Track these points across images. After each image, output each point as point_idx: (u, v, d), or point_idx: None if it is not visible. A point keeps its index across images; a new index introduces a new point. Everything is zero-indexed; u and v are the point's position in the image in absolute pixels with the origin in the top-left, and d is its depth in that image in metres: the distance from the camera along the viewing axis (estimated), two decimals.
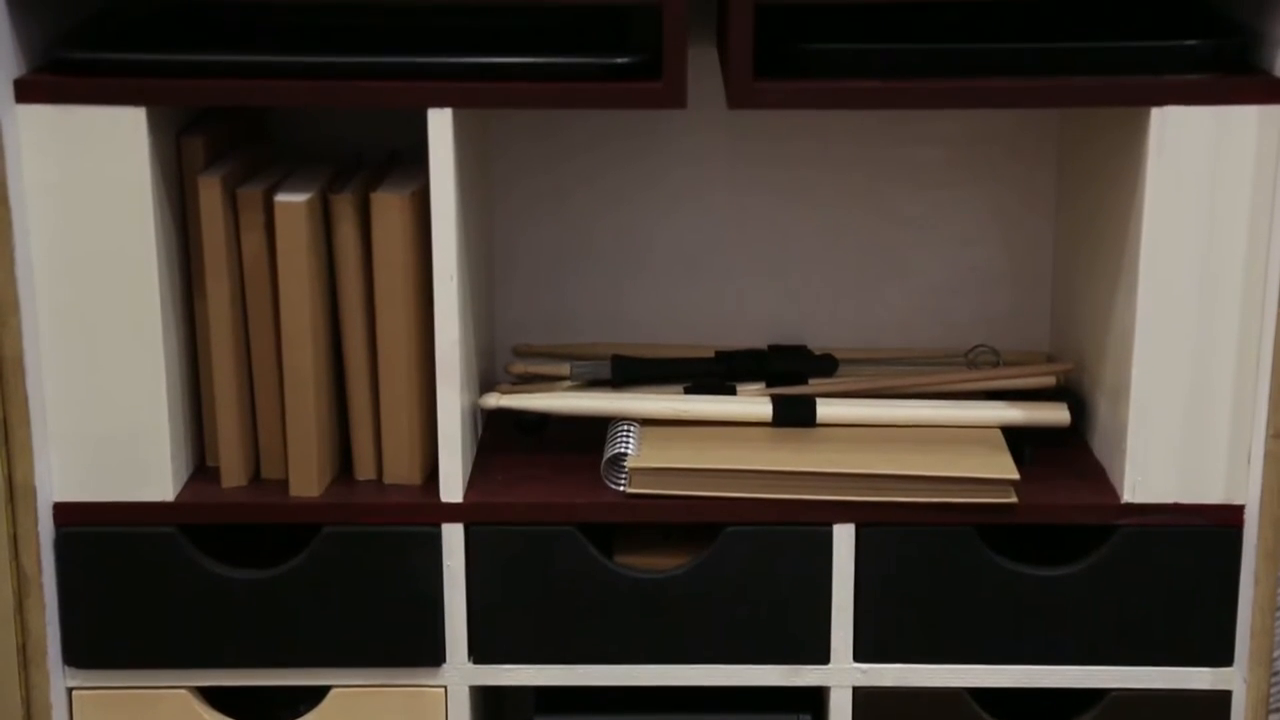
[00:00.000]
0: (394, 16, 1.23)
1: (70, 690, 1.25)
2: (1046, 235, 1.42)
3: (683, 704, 1.28)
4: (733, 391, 1.33)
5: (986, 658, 1.24)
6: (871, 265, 1.43)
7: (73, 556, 1.22)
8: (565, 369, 1.37)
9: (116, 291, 1.18)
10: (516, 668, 1.25)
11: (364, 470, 1.26)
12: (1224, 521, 1.21)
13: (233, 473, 1.25)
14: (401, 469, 1.25)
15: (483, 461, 1.29)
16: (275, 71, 1.15)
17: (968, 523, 1.22)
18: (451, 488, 1.22)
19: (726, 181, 1.41)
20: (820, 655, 1.24)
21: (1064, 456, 1.29)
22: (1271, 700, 1.23)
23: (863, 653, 1.24)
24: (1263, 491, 1.18)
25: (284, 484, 1.24)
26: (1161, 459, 1.20)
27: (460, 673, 1.25)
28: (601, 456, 1.25)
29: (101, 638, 1.24)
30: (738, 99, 1.14)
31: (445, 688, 1.25)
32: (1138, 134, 1.16)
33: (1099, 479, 1.26)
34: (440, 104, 1.15)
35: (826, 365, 1.37)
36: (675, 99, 1.14)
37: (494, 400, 1.29)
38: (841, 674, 1.25)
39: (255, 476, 1.27)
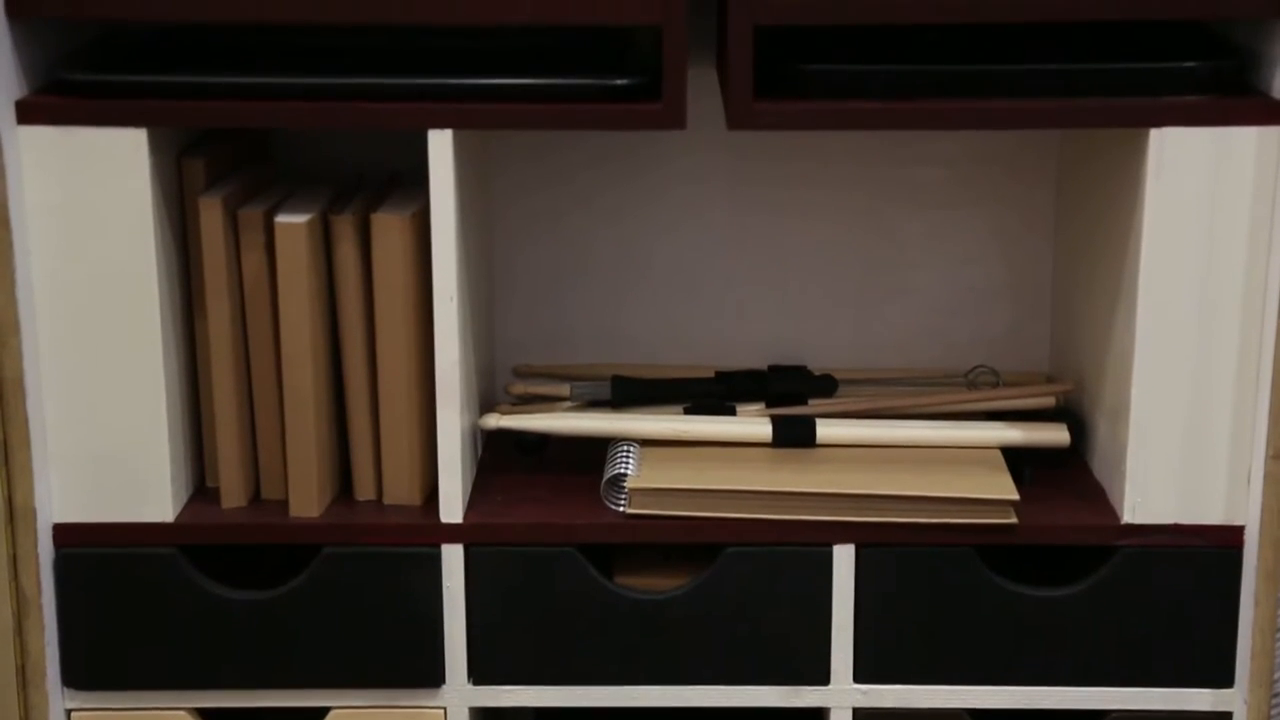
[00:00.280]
0: (394, 38, 1.23)
1: (69, 712, 1.25)
2: (1046, 255, 1.42)
3: None
4: (732, 412, 1.33)
5: (987, 678, 1.24)
6: (871, 285, 1.43)
7: (72, 577, 1.22)
8: (565, 389, 1.37)
9: (117, 312, 1.18)
10: (516, 689, 1.25)
11: (364, 491, 1.26)
12: (1224, 542, 1.21)
13: (232, 493, 1.25)
14: (401, 489, 1.25)
15: (482, 482, 1.29)
16: (276, 93, 1.15)
17: (967, 543, 1.22)
18: (451, 508, 1.22)
19: (726, 201, 1.42)
20: (820, 676, 1.24)
21: (1064, 477, 1.29)
22: None
23: (863, 674, 1.24)
24: (1263, 512, 1.18)
25: (284, 504, 1.24)
26: (1161, 479, 1.20)
27: (460, 694, 1.25)
28: (601, 477, 1.25)
29: (101, 659, 1.24)
30: (737, 120, 1.14)
31: (445, 709, 1.25)
32: (1137, 155, 1.17)
33: (1099, 499, 1.26)
34: (440, 125, 1.15)
35: (826, 385, 1.37)
36: (675, 120, 1.14)
37: (494, 421, 1.29)
38: (842, 695, 1.24)
39: (255, 497, 1.26)
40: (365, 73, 1.17)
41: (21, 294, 1.16)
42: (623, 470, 1.24)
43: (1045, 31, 1.17)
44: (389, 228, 1.21)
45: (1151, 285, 1.17)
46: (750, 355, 1.43)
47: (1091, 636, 1.23)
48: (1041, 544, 1.22)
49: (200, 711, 1.26)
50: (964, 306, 1.43)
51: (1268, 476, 1.18)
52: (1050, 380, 1.41)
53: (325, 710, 1.25)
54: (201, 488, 1.28)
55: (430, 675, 1.24)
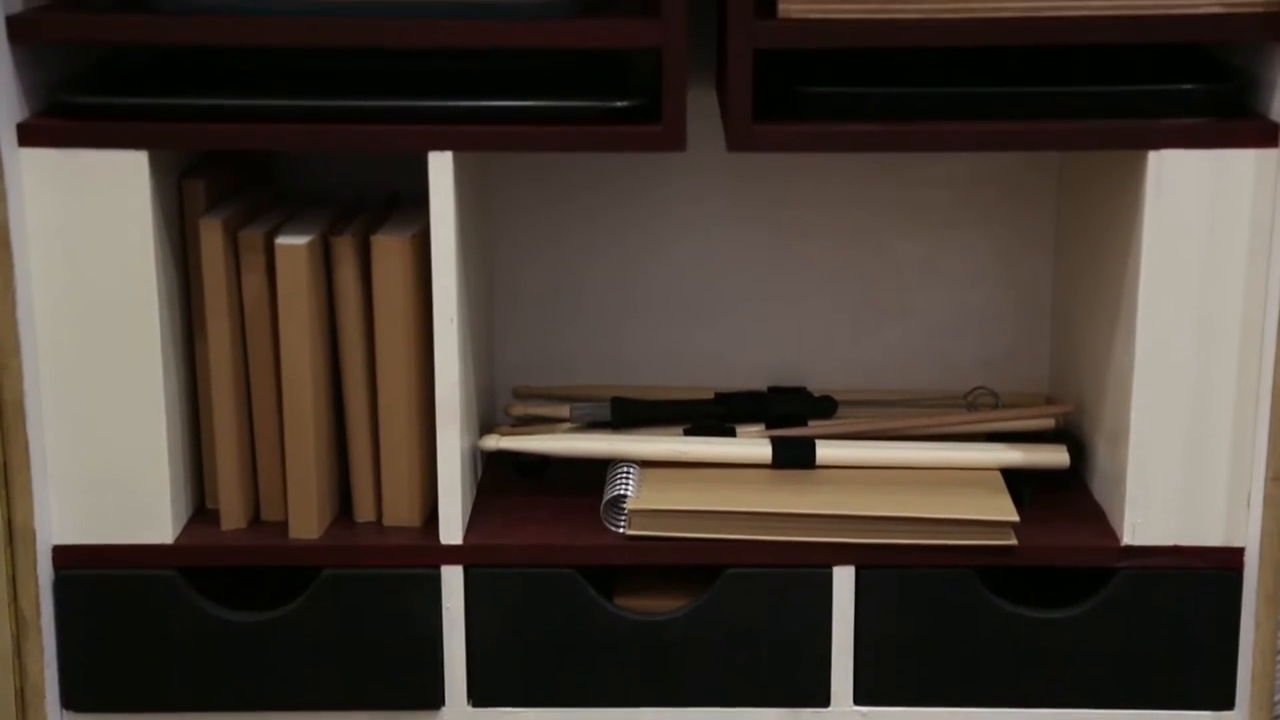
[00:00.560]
0: (394, 60, 1.23)
1: None
2: (1046, 277, 1.43)
3: None
4: (732, 433, 1.34)
5: (987, 700, 1.24)
6: (870, 306, 1.43)
7: (72, 599, 1.22)
8: (565, 411, 1.37)
9: (117, 334, 1.18)
10: (516, 710, 1.25)
11: (364, 512, 1.26)
12: (1224, 564, 1.21)
13: (232, 515, 1.25)
14: (401, 511, 1.25)
15: (482, 503, 1.29)
16: (276, 115, 1.16)
17: (967, 565, 1.22)
18: (451, 530, 1.22)
19: (726, 222, 1.42)
20: (821, 698, 1.24)
21: (1063, 498, 1.29)
22: None
23: (863, 695, 1.24)
24: (1263, 534, 1.18)
25: (284, 526, 1.24)
26: (1161, 501, 1.20)
27: (459, 715, 1.25)
28: (601, 498, 1.25)
29: (100, 681, 1.24)
30: (737, 142, 1.15)
31: None
32: (1136, 177, 1.17)
33: (1099, 521, 1.26)
34: (441, 147, 1.15)
35: (826, 407, 1.38)
36: (675, 142, 1.14)
37: (494, 442, 1.29)
38: (842, 717, 1.24)
39: (255, 518, 1.26)
40: (365, 95, 1.17)
41: (22, 316, 1.16)
42: (623, 492, 1.24)
43: (1044, 54, 1.17)
44: (389, 249, 1.21)
45: (1151, 307, 1.17)
46: (750, 376, 1.43)
47: (1092, 658, 1.23)
48: (1041, 565, 1.22)
49: None
50: (964, 328, 1.43)
51: (1268, 498, 1.18)
52: (1050, 401, 1.41)
53: None
54: (201, 509, 1.28)
55: (430, 697, 1.24)
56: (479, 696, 1.24)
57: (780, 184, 1.41)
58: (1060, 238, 1.40)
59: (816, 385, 1.42)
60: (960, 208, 1.41)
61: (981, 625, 1.22)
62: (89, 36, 1.17)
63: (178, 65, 1.29)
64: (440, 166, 1.15)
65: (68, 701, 1.24)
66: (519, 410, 1.40)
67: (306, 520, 1.23)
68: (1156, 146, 1.14)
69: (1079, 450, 1.31)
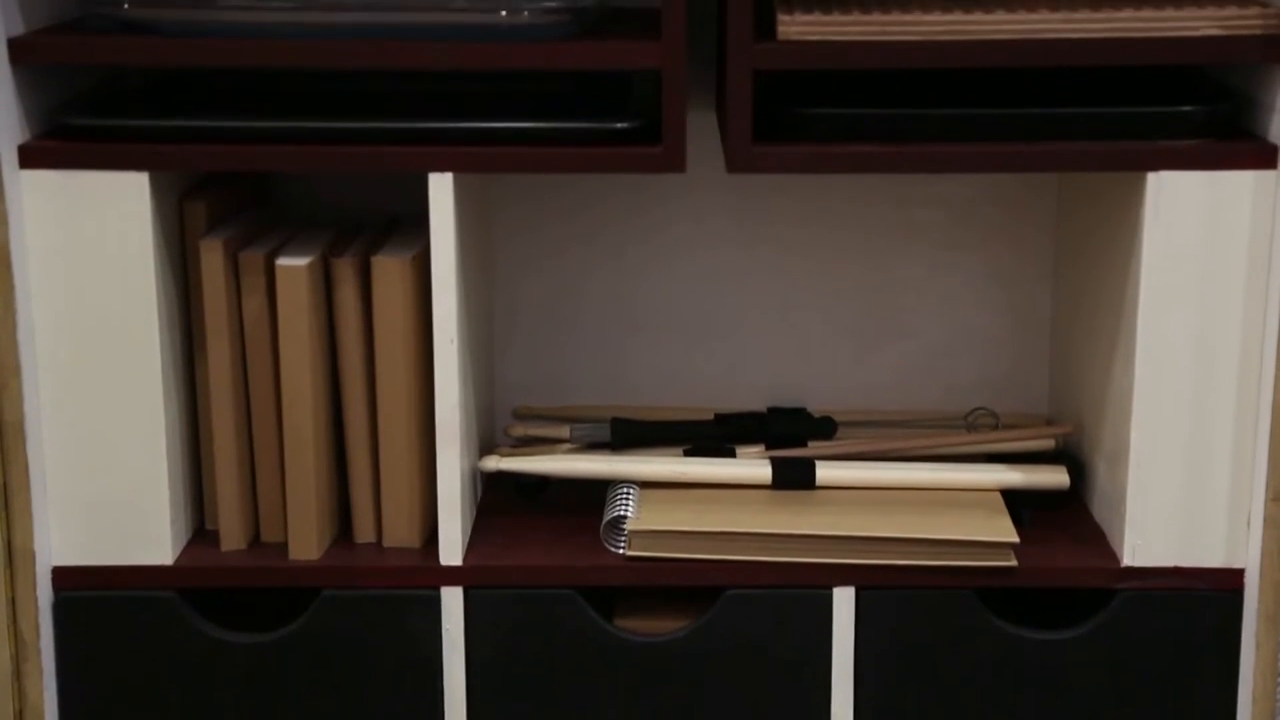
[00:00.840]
0: (395, 82, 1.24)
1: None
2: (1045, 298, 1.43)
3: None
4: (732, 454, 1.34)
5: None
6: (870, 327, 1.43)
7: (71, 621, 1.22)
8: (565, 431, 1.37)
9: (118, 355, 1.18)
10: None
11: (363, 533, 1.26)
12: (1224, 585, 1.20)
13: (232, 536, 1.25)
14: (401, 532, 1.25)
15: (482, 524, 1.29)
16: (277, 137, 1.16)
17: (967, 586, 1.21)
18: (451, 551, 1.22)
19: (725, 242, 1.42)
20: (821, 719, 1.24)
21: (1063, 519, 1.29)
22: None
23: (864, 716, 1.24)
24: (1263, 555, 1.18)
25: (283, 547, 1.24)
26: (1161, 522, 1.20)
27: None
28: (601, 519, 1.25)
29: (100, 703, 1.23)
30: (737, 163, 1.15)
31: None
32: (1134, 198, 1.17)
33: (1099, 542, 1.26)
34: (441, 169, 1.15)
35: (826, 427, 1.38)
36: (675, 164, 1.15)
37: (494, 463, 1.29)
38: None
39: (255, 539, 1.26)
40: (366, 117, 1.17)
41: (23, 337, 1.16)
42: (622, 512, 1.24)
43: (1043, 75, 1.17)
44: (389, 270, 1.21)
45: (1150, 328, 1.17)
46: (750, 397, 1.43)
47: (1092, 679, 1.23)
48: (1041, 586, 1.22)
49: None
50: (963, 348, 1.44)
51: (1268, 519, 1.18)
52: (1049, 422, 1.41)
53: None
54: (201, 530, 1.28)
55: (430, 718, 1.24)
56: (479, 718, 1.24)
57: (780, 204, 1.41)
58: (1059, 258, 1.41)
59: (816, 406, 1.42)
60: (960, 228, 1.41)
61: (981, 646, 1.22)
62: (89, 59, 1.18)
63: (179, 87, 1.30)
64: (440, 188, 1.16)
65: None
66: (519, 431, 1.41)
67: (306, 541, 1.23)
68: (1155, 168, 1.15)
69: (1079, 471, 1.31)
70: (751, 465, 1.29)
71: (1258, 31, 1.13)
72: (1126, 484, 1.20)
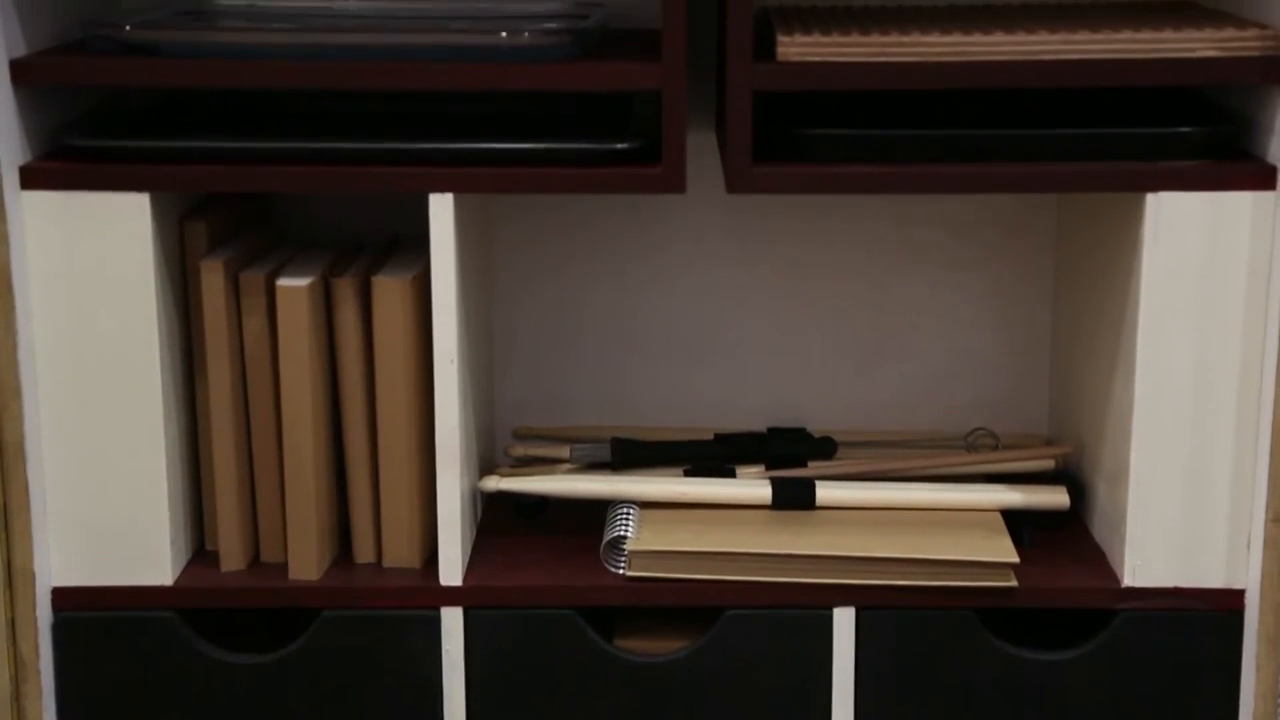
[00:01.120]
0: (395, 102, 1.24)
1: None
2: (1045, 318, 1.43)
3: None
4: (732, 474, 1.33)
5: None
6: (870, 347, 1.43)
7: (71, 641, 1.22)
8: (565, 451, 1.37)
9: (118, 376, 1.18)
10: None
11: (363, 553, 1.26)
12: (1225, 606, 1.20)
13: (232, 556, 1.25)
14: (401, 552, 1.25)
15: (482, 544, 1.29)
16: (277, 158, 1.16)
17: (968, 606, 1.21)
18: (451, 571, 1.22)
19: (725, 261, 1.42)
20: None
21: (1063, 540, 1.29)
22: None
23: None
24: (1263, 576, 1.18)
25: (283, 567, 1.24)
26: (1161, 542, 1.20)
27: None
28: (601, 539, 1.25)
29: None
30: (736, 183, 1.15)
31: None
32: (1133, 219, 1.17)
33: (1099, 562, 1.26)
34: (441, 189, 1.16)
35: (825, 448, 1.38)
36: (674, 184, 1.15)
37: (494, 483, 1.29)
38: None
39: (255, 560, 1.26)
40: (366, 137, 1.18)
41: (23, 357, 1.16)
42: (622, 533, 1.24)
43: (1043, 96, 1.17)
44: (390, 291, 1.21)
45: (1150, 348, 1.17)
46: (750, 417, 1.43)
47: (1092, 700, 1.22)
48: (1042, 607, 1.22)
49: None
50: (963, 369, 1.44)
51: (1268, 540, 1.18)
52: (1049, 443, 1.41)
53: None
54: (201, 550, 1.28)
55: None
56: None
57: (780, 224, 1.41)
58: (1059, 278, 1.41)
59: (816, 426, 1.42)
60: (959, 248, 1.42)
61: (982, 667, 1.22)
62: (91, 80, 1.18)
63: (179, 108, 1.30)
64: (441, 208, 1.16)
65: None
66: (519, 451, 1.41)
67: (306, 561, 1.23)
68: (1154, 189, 1.15)
69: (1079, 491, 1.31)
70: (751, 485, 1.29)
71: (1256, 53, 1.13)
72: (1126, 504, 1.20)
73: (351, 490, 1.26)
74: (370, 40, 1.18)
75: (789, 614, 1.22)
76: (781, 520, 1.27)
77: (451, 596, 1.22)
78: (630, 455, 1.36)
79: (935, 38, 1.14)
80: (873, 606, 1.22)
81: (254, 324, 1.22)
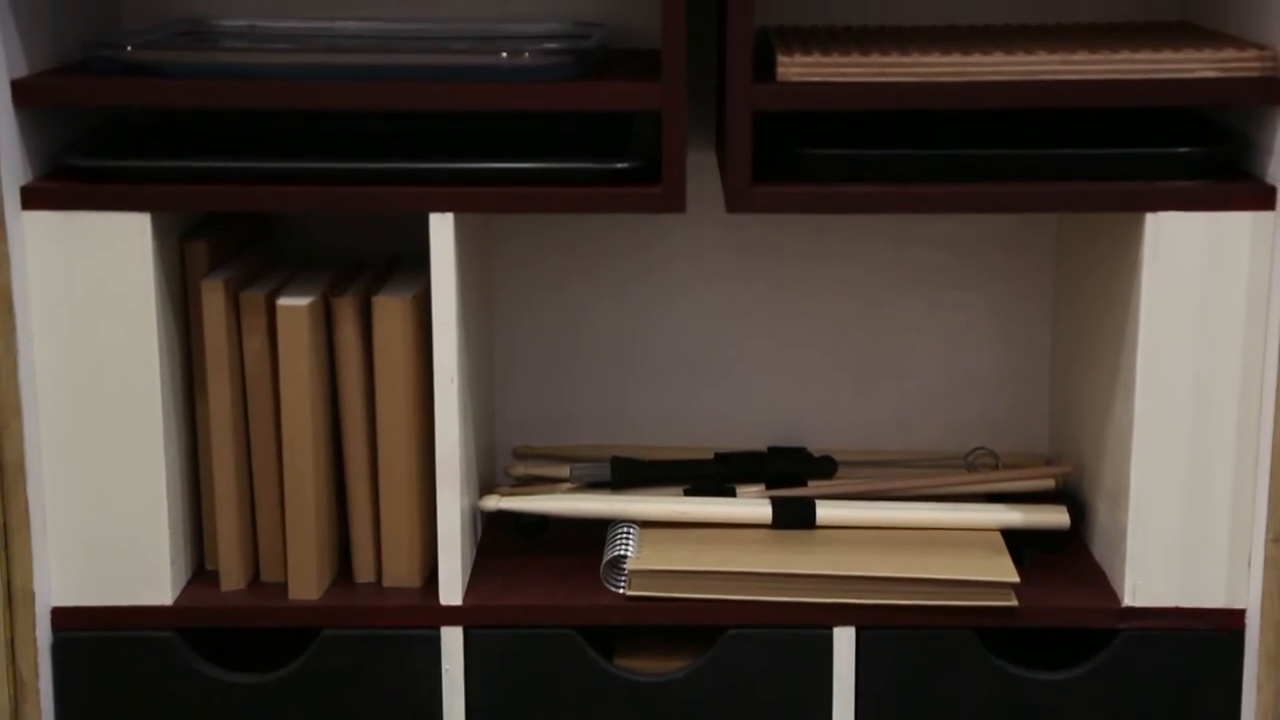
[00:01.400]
0: (395, 122, 1.24)
1: None
2: (1045, 337, 1.43)
3: None
4: (732, 493, 1.33)
5: None
6: (870, 366, 1.44)
7: (70, 661, 1.22)
8: (565, 471, 1.37)
9: (119, 395, 1.18)
10: None
11: (363, 572, 1.26)
12: (1225, 626, 1.20)
13: (232, 576, 1.25)
14: (401, 571, 1.25)
15: (482, 564, 1.29)
16: (278, 178, 1.16)
17: (968, 625, 1.21)
18: (451, 590, 1.22)
19: (725, 279, 1.42)
20: None
21: (1064, 559, 1.29)
22: None
23: None
24: (1263, 596, 1.18)
25: (283, 587, 1.24)
26: (1161, 562, 1.20)
27: None
28: (601, 559, 1.25)
29: None
30: (736, 203, 1.15)
31: None
32: (1133, 239, 1.17)
33: (1099, 582, 1.25)
34: (442, 209, 1.16)
35: (826, 467, 1.38)
36: (674, 204, 1.15)
37: (494, 502, 1.29)
38: None
39: (255, 579, 1.26)
40: (366, 157, 1.18)
41: (24, 377, 1.17)
42: (622, 552, 1.24)
43: (1042, 116, 1.18)
44: (390, 310, 1.21)
45: (1149, 368, 1.17)
46: (750, 436, 1.43)
47: (1092, 719, 1.23)
48: (1042, 626, 1.22)
49: None
50: (963, 388, 1.44)
51: (1268, 560, 1.18)
52: (1049, 462, 1.41)
53: None
54: (201, 570, 1.28)
55: None
56: None
57: (780, 243, 1.42)
58: (1059, 298, 1.41)
59: (816, 445, 1.42)
60: (959, 268, 1.42)
61: (982, 686, 1.22)
62: (92, 100, 1.18)
63: (180, 128, 1.30)
64: (441, 228, 1.16)
65: None
66: (519, 470, 1.41)
67: (306, 581, 1.23)
68: (1154, 209, 1.15)
69: (1079, 511, 1.31)
70: (752, 505, 1.29)
71: (1255, 74, 1.14)
72: (1127, 524, 1.20)
73: (351, 509, 1.26)
74: (371, 61, 1.18)
75: (789, 633, 1.22)
76: (781, 539, 1.26)
77: (451, 616, 1.22)
78: (630, 474, 1.35)
79: (935, 58, 1.14)
80: (873, 626, 1.22)
81: (254, 343, 1.22)
